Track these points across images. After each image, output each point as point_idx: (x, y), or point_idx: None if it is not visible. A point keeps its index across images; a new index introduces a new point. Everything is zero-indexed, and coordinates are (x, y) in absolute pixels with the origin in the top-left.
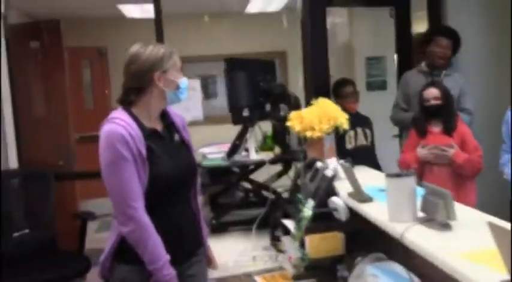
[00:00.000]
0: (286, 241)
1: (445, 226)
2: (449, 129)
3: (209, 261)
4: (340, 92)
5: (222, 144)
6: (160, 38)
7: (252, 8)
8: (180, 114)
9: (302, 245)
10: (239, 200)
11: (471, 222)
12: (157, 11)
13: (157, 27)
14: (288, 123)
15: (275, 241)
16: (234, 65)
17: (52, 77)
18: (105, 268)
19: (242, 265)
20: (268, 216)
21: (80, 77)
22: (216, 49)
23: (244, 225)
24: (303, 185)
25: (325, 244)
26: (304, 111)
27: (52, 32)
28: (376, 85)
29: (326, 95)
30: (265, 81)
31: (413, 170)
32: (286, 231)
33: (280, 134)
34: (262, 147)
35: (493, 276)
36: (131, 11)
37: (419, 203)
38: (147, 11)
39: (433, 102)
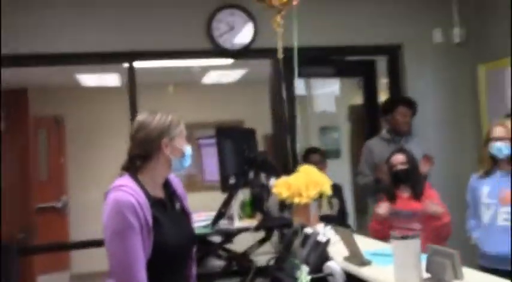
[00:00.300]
0: None
1: None
2: (417, 194)
3: None
4: (309, 159)
5: (197, 213)
6: (133, 107)
7: (208, 79)
8: (179, 182)
9: None
10: (221, 268)
11: (474, 279)
12: (132, 80)
13: (131, 95)
14: (274, 190)
15: None
16: (223, 133)
17: (15, 146)
18: None
19: None
20: None
21: (36, 147)
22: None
23: None
24: (293, 251)
25: None
26: (291, 178)
27: (18, 101)
28: (330, 153)
29: (295, 163)
30: (249, 149)
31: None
32: None
33: (259, 201)
34: (242, 214)
35: None
36: (88, 80)
37: (423, 264)
38: (104, 80)
39: (400, 167)
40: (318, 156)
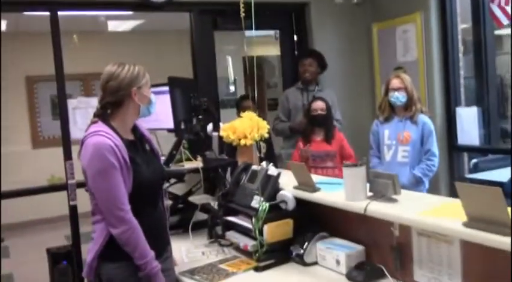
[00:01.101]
0: (233, 235)
1: (393, 200)
2: (329, 138)
3: None
4: (242, 105)
5: None
6: (58, 54)
7: (108, 28)
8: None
9: (260, 233)
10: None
11: (408, 195)
12: (55, 28)
13: (55, 43)
14: (222, 133)
15: (217, 238)
16: (173, 83)
17: None
18: (92, 269)
19: (197, 260)
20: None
21: None
22: (72, 68)
23: (173, 230)
24: (241, 186)
25: (279, 230)
26: (236, 122)
27: None
28: (229, 103)
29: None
30: (194, 97)
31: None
32: (228, 227)
33: (199, 145)
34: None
35: (455, 221)
36: None
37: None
38: None
39: (320, 112)
40: (250, 103)
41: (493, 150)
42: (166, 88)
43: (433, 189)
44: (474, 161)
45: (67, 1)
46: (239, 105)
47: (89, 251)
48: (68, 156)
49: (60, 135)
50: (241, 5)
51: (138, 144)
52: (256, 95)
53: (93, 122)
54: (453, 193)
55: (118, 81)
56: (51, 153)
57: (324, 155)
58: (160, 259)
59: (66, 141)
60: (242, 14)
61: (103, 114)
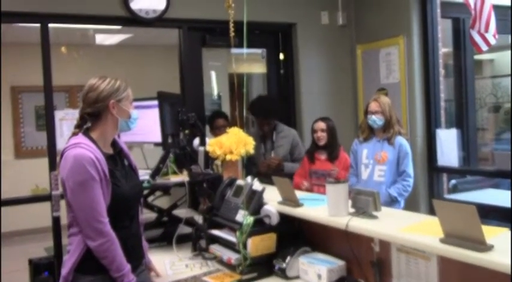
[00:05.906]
0: (217, 248)
1: (373, 216)
2: (333, 158)
3: (152, 271)
4: (214, 123)
5: None
6: (47, 65)
7: (96, 41)
8: (122, 142)
9: (244, 246)
10: (153, 220)
11: (388, 212)
12: (45, 40)
13: (44, 54)
14: (208, 148)
15: (201, 251)
16: (162, 98)
17: None
18: (67, 281)
19: (181, 272)
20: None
21: None
22: (58, 79)
23: (157, 243)
24: (226, 200)
25: (263, 244)
26: (223, 138)
27: None
28: None
29: (204, 124)
30: (182, 112)
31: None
32: (212, 241)
33: (185, 159)
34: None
35: (432, 238)
36: None
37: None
38: None
39: (320, 133)
40: (222, 121)
41: (471, 172)
42: (154, 102)
43: (412, 208)
44: (453, 182)
45: (58, 14)
46: (211, 124)
47: (64, 264)
48: (53, 166)
49: (43, 146)
50: (231, 25)
51: (117, 158)
52: (241, 112)
53: (73, 134)
54: (432, 212)
55: (97, 92)
56: (34, 163)
57: (326, 173)
58: (135, 272)
59: (51, 151)
60: (232, 34)
61: (83, 126)
